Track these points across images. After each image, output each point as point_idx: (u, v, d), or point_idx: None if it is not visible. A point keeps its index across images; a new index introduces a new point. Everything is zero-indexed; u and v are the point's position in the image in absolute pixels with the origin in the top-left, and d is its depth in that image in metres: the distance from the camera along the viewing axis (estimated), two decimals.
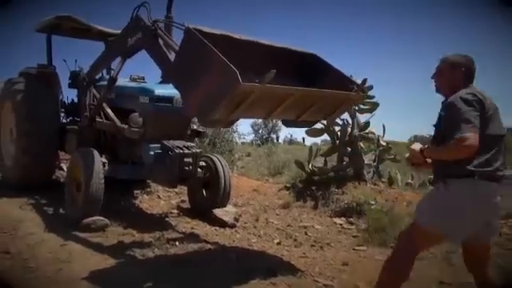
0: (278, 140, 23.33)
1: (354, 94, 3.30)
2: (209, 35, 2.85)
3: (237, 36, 3.20)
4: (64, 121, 5.87)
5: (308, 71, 3.55)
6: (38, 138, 5.20)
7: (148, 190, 6.07)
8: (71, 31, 5.98)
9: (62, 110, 5.82)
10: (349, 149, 7.18)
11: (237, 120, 3.31)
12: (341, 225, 5.46)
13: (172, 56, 3.29)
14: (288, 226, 5.19)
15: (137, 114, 4.31)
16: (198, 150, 4.31)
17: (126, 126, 4.35)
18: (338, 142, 7.28)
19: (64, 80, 5.94)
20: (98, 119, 4.79)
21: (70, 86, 5.94)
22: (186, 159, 4.11)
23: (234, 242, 4.16)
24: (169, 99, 4.33)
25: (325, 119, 3.67)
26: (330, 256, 4.04)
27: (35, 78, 5.58)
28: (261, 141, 19.51)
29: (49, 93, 5.55)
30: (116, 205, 5.09)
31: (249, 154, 12.91)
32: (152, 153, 4.22)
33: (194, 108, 2.86)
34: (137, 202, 5.65)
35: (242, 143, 15.55)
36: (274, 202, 6.35)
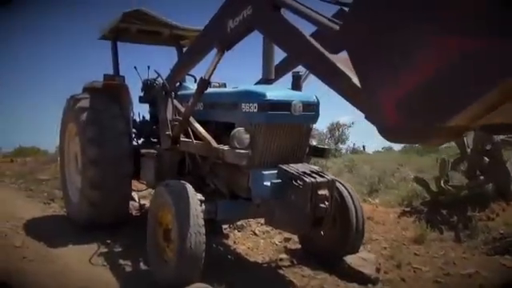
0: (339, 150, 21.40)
1: None
2: None
3: None
4: (135, 143, 4.79)
5: None
6: (107, 166, 4.12)
7: (238, 223, 4.81)
8: (138, 35, 4.95)
9: (134, 129, 4.72)
10: (486, 158, 5.57)
11: (471, 130, 1.89)
12: None
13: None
14: (446, 274, 3.72)
15: (242, 129, 3.02)
16: (332, 177, 2.95)
17: (226, 148, 3.08)
18: (469, 150, 5.72)
19: (134, 93, 4.85)
20: (183, 139, 3.59)
21: (142, 99, 4.86)
22: (320, 191, 2.76)
23: None
24: (285, 105, 3.02)
25: None
26: None
27: (102, 93, 4.51)
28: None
29: (118, 110, 4.45)
30: (207, 250, 3.84)
31: (327, 169, 11.34)
32: (267, 183, 2.91)
33: (399, 110, 1.49)
34: (230, 243, 4.38)
35: None
36: (400, 235, 4.86)
